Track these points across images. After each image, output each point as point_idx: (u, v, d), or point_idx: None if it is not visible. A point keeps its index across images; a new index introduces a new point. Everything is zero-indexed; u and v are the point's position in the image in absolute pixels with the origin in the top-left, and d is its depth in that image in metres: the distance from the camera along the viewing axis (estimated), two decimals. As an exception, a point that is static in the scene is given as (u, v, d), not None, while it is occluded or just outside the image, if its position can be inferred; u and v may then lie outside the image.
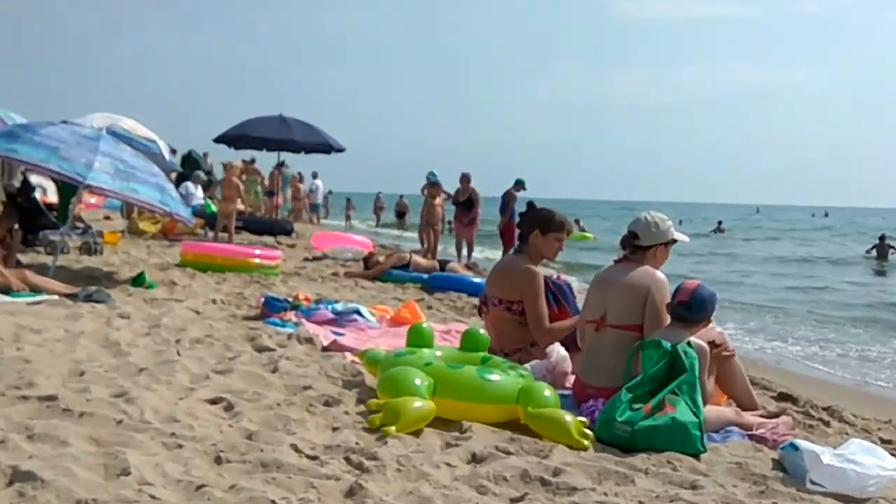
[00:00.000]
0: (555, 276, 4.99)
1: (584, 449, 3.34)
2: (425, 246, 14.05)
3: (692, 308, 3.79)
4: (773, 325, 10.41)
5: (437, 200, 14.10)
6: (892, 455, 3.28)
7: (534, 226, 4.71)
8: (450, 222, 15.62)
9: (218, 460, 2.86)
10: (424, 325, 4.34)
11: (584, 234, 31.51)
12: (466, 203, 14.11)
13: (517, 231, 4.81)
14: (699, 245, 26.61)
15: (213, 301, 6.94)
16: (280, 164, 22.85)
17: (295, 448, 3.03)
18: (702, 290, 3.83)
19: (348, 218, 34.07)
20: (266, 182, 21.00)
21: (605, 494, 2.84)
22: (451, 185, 14.48)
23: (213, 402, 3.66)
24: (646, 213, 4.19)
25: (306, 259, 12.27)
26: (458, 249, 14.73)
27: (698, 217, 67.87)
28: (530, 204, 4.98)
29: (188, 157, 20.11)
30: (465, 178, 14.16)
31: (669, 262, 4.24)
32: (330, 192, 38.74)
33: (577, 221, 34.60)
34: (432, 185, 14.24)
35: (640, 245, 4.11)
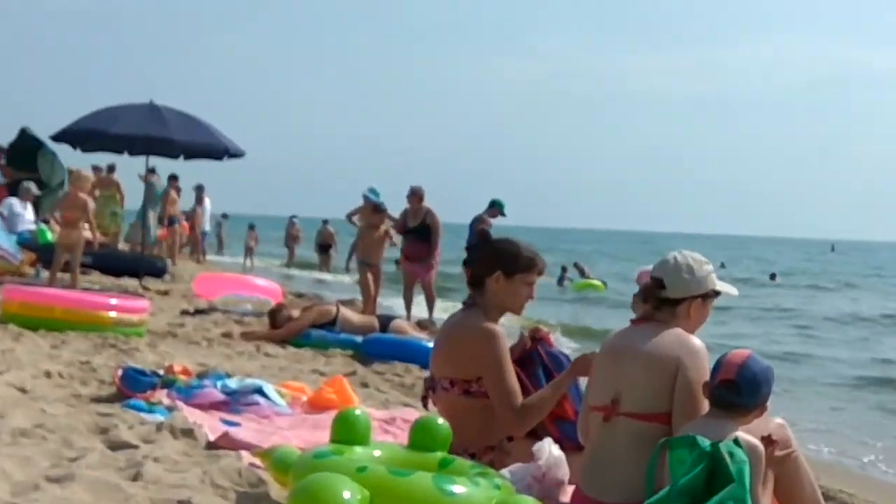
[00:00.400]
0: (542, 342, 4.96)
1: None
2: (367, 296, 14.00)
3: (741, 390, 3.81)
4: (853, 416, 10.54)
5: (381, 230, 14.09)
6: None
7: (493, 265, 4.73)
8: (396, 261, 15.65)
9: None
10: (357, 411, 4.32)
11: (590, 283, 31.85)
12: (420, 231, 14.12)
13: (469, 278, 4.82)
14: (749, 298, 26.95)
15: (48, 374, 6.87)
16: (173, 178, 22.71)
17: None
18: (753, 364, 3.85)
19: (249, 252, 33.98)
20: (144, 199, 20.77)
21: None
22: (397, 206, 14.55)
23: (45, 524, 3.61)
24: (676, 253, 4.23)
25: (186, 312, 12.22)
26: (408, 300, 14.72)
27: (747, 256, 68.84)
28: (483, 235, 5.03)
29: (25, 141, 19.40)
30: (415, 195, 14.17)
31: (707, 324, 4.28)
32: (224, 217, 38.69)
33: (577, 265, 35.02)
34: (374, 209, 14.24)
35: (667, 298, 4.15)
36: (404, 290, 14.85)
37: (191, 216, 26.79)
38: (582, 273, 34.04)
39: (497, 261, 4.72)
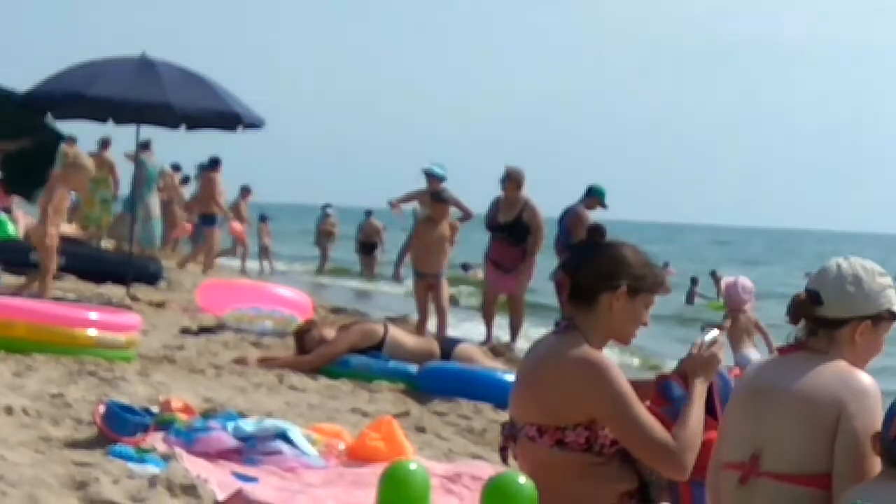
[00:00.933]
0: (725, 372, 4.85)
1: None
2: (422, 314, 13.97)
3: (930, 445, 3.78)
4: None
5: (442, 226, 13.91)
6: None
7: (617, 277, 4.66)
8: (463, 266, 15.52)
9: None
10: (412, 465, 4.33)
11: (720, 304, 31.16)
12: (514, 229, 14.07)
13: (572, 289, 4.75)
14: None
15: (8, 410, 6.93)
16: (215, 163, 22.23)
17: None
18: (942, 412, 3.82)
19: (265, 253, 34.02)
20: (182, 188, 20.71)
21: None
22: (475, 194, 14.46)
23: None
24: (841, 260, 4.19)
25: (187, 331, 12.29)
26: (489, 318, 14.61)
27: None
28: (597, 233, 4.92)
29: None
30: (512, 181, 14.10)
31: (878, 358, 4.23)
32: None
33: (715, 276, 33.78)
34: (436, 196, 14.07)
35: (824, 318, 4.12)
36: (484, 306, 14.77)
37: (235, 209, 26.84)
38: (719, 284, 33.04)
39: (624, 271, 4.64)
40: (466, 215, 14.55)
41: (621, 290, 4.61)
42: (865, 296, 4.13)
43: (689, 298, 31.50)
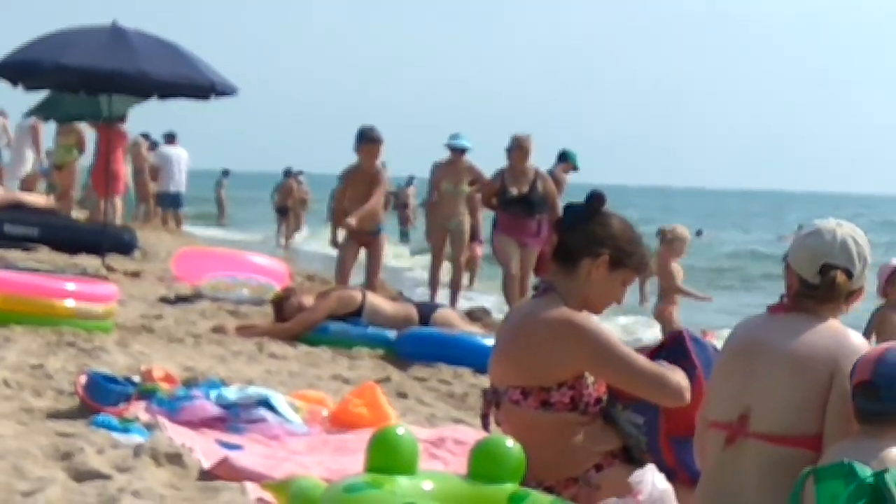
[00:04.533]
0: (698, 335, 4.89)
1: None
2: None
3: (880, 392, 3.81)
4: None
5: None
6: None
7: (602, 245, 4.69)
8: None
9: None
10: (399, 430, 4.31)
11: None
12: (529, 200, 13.32)
13: (557, 248, 4.77)
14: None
15: (-10, 382, 6.93)
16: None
17: None
18: (893, 357, 3.85)
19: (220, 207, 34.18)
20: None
21: None
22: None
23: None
24: (836, 224, 4.13)
25: (164, 300, 12.26)
26: (510, 298, 13.51)
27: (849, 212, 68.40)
28: (596, 198, 4.91)
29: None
30: (520, 148, 13.35)
31: None
32: (225, 174, 39.11)
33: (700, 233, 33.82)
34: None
35: (851, 290, 4.09)
36: (506, 283, 13.82)
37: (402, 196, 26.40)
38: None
39: (610, 241, 4.70)
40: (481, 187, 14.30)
41: (602, 259, 4.67)
42: (865, 266, 4.16)
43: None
